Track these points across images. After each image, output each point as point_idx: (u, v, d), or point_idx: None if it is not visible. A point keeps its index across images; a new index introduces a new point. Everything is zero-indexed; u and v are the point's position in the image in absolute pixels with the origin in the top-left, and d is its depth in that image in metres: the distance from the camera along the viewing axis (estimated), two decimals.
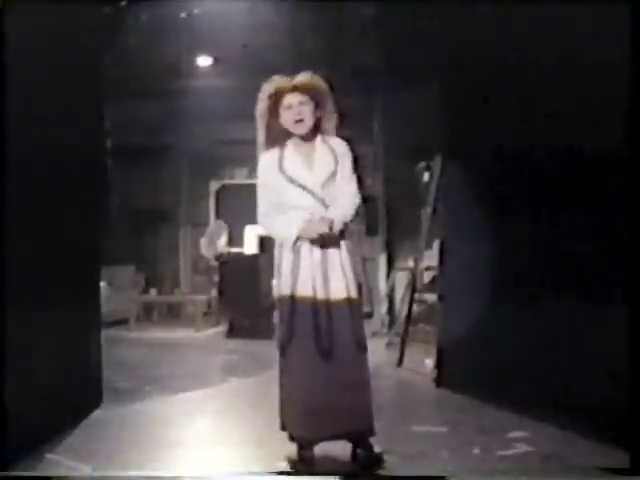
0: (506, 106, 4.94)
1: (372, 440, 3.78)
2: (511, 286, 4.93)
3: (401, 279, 9.16)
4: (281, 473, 3.70)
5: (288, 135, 3.77)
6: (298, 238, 3.69)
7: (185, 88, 9.56)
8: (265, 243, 10.99)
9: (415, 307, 7.38)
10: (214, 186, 11.95)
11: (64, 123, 4.51)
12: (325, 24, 7.65)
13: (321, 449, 3.77)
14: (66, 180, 4.55)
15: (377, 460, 3.76)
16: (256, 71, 8.63)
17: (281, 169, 3.72)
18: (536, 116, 4.63)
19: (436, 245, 6.60)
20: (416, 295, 7.35)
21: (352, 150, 3.86)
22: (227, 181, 11.82)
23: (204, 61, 9.22)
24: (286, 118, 3.72)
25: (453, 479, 3.57)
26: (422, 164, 7.84)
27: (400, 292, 9.07)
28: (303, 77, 3.75)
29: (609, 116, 3.99)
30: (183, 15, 7.38)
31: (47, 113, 4.27)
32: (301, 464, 3.70)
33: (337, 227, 3.71)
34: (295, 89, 3.71)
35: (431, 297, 7.32)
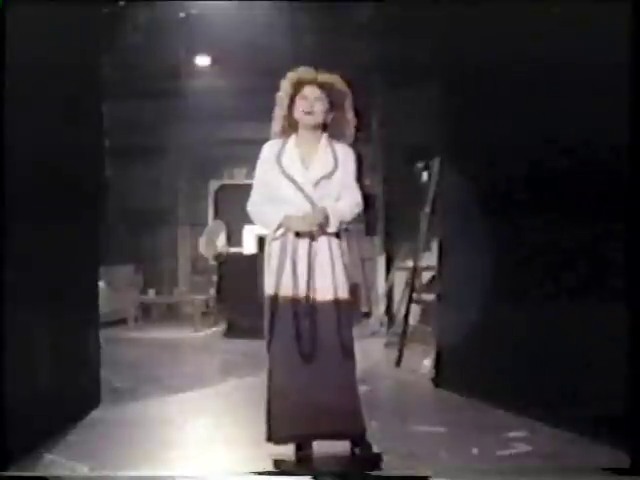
0: (505, 106, 4.94)
1: (370, 440, 3.79)
2: (510, 286, 4.93)
3: (400, 279, 9.15)
4: (279, 473, 3.70)
5: (296, 128, 3.78)
6: (280, 226, 3.69)
7: (184, 88, 9.56)
8: (264, 243, 11.00)
9: (414, 307, 7.39)
10: (213, 186, 11.95)
11: (63, 123, 4.50)
12: (325, 24, 7.65)
13: (320, 449, 3.77)
14: (65, 180, 4.55)
15: (375, 460, 3.75)
16: (255, 71, 8.69)
17: (278, 160, 3.74)
18: (535, 116, 4.64)
19: (435, 245, 6.60)
20: (415, 295, 7.35)
21: (358, 159, 3.86)
22: (226, 181, 11.82)
23: (202, 61, 9.21)
24: (298, 107, 3.74)
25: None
26: (421, 164, 7.84)
27: (399, 292, 9.06)
28: (327, 75, 3.77)
29: (609, 116, 3.99)
30: (182, 15, 7.37)
31: (47, 113, 4.26)
32: (299, 465, 3.71)
33: (333, 224, 3.70)
34: (315, 83, 3.73)
35: (430, 297, 7.32)
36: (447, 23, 5.56)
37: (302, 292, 3.66)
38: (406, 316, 7.16)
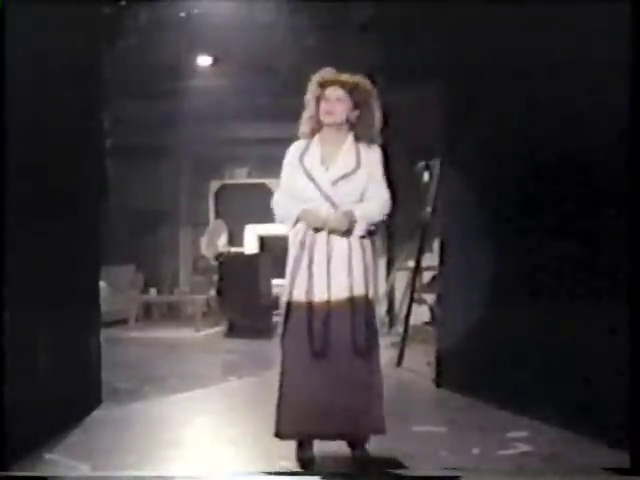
0: (505, 106, 4.94)
1: (372, 440, 3.79)
2: (511, 286, 4.93)
3: (401, 279, 9.15)
4: (280, 473, 3.70)
5: (320, 129, 3.81)
6: (298, 220, 3.71)
7: (185, 88, 9.55)
8: (265, 243, 11.01)
9: (420, 308, 7.40)
10: (214, 186, 11.96)
11: (64, 123, 4.51)
12: (325, 24, 7.65)
13: (320, 450, 3.77)
14: (66, 180, 4.55)
15: (373, 461, 3.75)
16: (256, 71, 8.69)
17: (300, 159, 3.77)
18: (535, 116, 4.64)
19: (436, 245, 6.61)
20: (416, 295, 7.35)
21: (386, 158, 3.85)
22: (227, 181, 11.83)
23: (204, 61, 9.20)
24: (321, 107, 3.77)
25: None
26: (421, 164, 7.85)
27: (400, 292, 9.06)
28: (348, 76, 3.79)
29: (609, 117, 3.99)
30: (183, 15, 7.37)
31: (47, 113, 4.26)
32: (300, 465, 3.71)
33: (360, 228, 3.71)
34: (337, 84, 3.75)
35: (431, 297, 7.33)
36: (448, 23, 5.56)
37: (317, 292, 3.66)
38: (407, 316, 7.16)
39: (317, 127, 3.83)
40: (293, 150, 3.84)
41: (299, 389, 3.64)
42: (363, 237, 3.76)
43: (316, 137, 3.82)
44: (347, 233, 3.70)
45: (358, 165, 3.75)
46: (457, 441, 4.26)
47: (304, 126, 3.86)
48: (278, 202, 3.86)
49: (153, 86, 9.39)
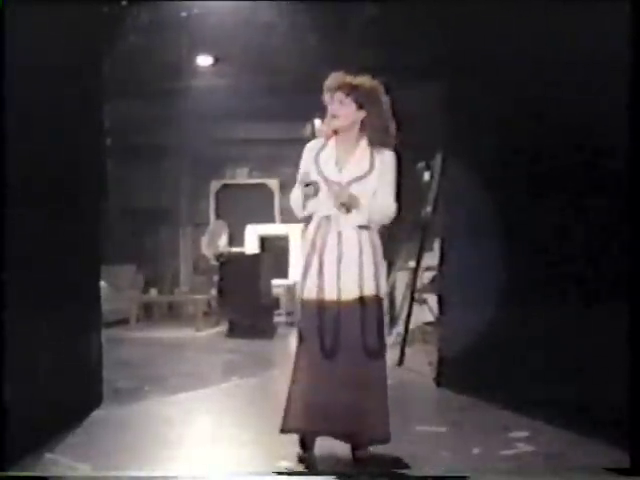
0: (506, 105, 4.94)
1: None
2: (511, 285, 4.93)
3: (401, 279, 9.15)
4: (281, 473, 3.70)
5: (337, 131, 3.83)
6: (307, 197, 3.71)
7: (185, 88, 9.57)
8: (266, 243, 11.01)
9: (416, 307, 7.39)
10: (214, 186, 11.96)
11: (64, 123, 4.51)
12: (325, 24, 7.65)
13: (321, 449, 3.77)
14: (66, 180, 4.55)
15: (374, 462, 3.75)
16: (256, 71, 8.70)
17: (316, 160, 3.80)
18: (536, 114, 4.64)
19: (436, 245, 6.60)
20: (416, 295, 7.34)
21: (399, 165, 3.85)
22: (228, 181, 11.83)
23: (204, 61, 9.22)
24: (328, 112, 3.80)
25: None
26: (422, 163, 7.84)
27: (400, 292, 9.05)
28: (352, 77, 3.79)
29: (609, 116, 3.99)
30: (183, 15, 7.38)
31: (47, 113, 4.26)
32: (301, 465, 3.71)
33: (362, 208, 3.69)
34: (341, 87, 3.77)
35: (431, 297, 7.32)
36: (448, 22, 5.56)
37: (328, 291, 3.68)
38: (408, 316, 7.15)
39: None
40: (310, 147, 3.87)
41: (308, 387, 3.65)
42: (369, 232, 3.76)
43: (333, 138, 3.84)
44: (346, 210, 3.69)
45: (371, 168, 3.77)
46: (458, 441, 4.25)
47: (324, 125, 3.87)
48: (293, 194, 3.87)
49: (154, 86, 9.41)
